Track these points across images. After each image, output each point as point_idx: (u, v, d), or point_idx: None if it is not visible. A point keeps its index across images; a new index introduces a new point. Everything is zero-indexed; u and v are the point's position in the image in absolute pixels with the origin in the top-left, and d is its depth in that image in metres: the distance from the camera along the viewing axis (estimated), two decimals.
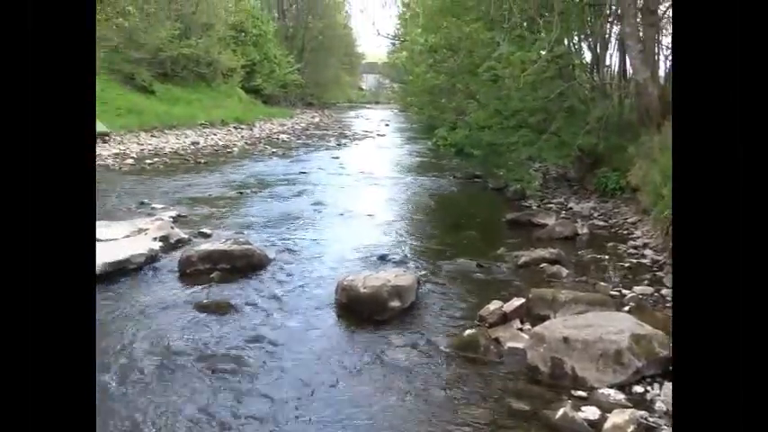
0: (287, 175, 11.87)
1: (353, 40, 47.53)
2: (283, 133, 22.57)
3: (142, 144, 15.55)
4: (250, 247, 5.76)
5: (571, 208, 8.61)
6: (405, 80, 17.45)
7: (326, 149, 17.61)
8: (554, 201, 9.19)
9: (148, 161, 13.07)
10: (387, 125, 29.40)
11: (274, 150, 16.69)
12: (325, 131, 24.66)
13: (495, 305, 4.36)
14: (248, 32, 30.69)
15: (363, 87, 63.42)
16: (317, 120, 32.30)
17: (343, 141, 20.31)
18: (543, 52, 8.50)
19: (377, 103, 55.01)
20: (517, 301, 4.39)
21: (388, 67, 37.03)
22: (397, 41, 18.87)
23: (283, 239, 6.78)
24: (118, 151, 13.95)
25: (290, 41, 42.46)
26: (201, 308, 4.58)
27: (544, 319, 4.17)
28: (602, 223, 7.66)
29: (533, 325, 4.07)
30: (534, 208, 8.75)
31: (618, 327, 3.51)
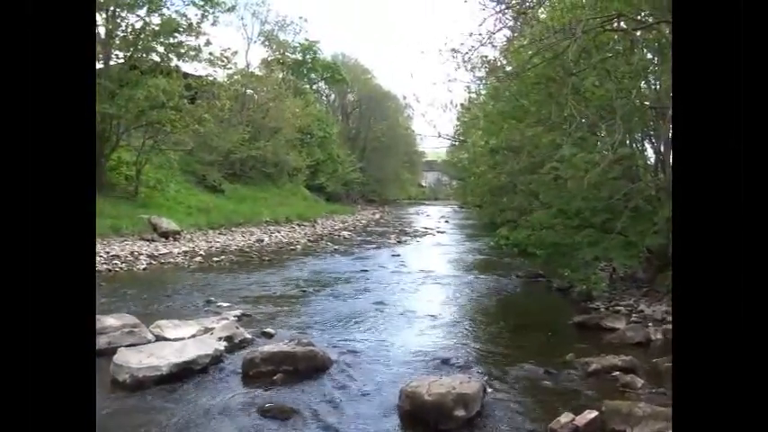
0: (348, 273, 11.97)
1: (414, 140, 48.93)
2: (345, 230, 22.93)
3: (210, 242, 16.10)
4: (313, 348, 5.74)
5: (642, 311, 8.25)
6: (464, 177, 17.65)
7: (387, 246, 17.74)
8: (623, 303, 8.84)
9: (215, 259, 13.48)
10: (446, 221, 29.54)
11: (336, 247, 16.92)
12: (385, 228, 24.97)
13: (566, 418, 4.14)
14: (314, 134, 32.21)
15: (423, 184, 64.60)
16: (377, 216, 32.83)
17: (404, 238, 20.44)
18: (606, 152, 8.51)
19: (436, 199, 55.71)
20: (590, 414, 4.16)
21: (447, 165, 37.72)
22: (456, 142, 19.24)
23: (345, 340, 6.75)
24: (188, 249, 14.48)
25: (353, 142, 44.27)
26: (264, 412, 4.53)
27: None
28: None
29: None
30: (602, 310, 8.43)
31: None
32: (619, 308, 8.57)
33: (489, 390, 4.99)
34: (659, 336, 6.88)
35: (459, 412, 4.31)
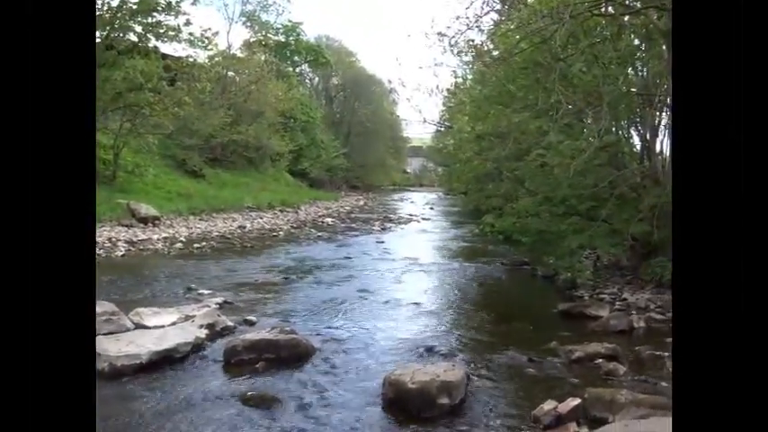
0: (332, 260, 12.00)
1: (399, 126, 48.88)
2: (328, 216, 22.94)
3: (191, 228, 16.02)
4: (295, 336, 5.77)
5: (625, 299, 8.37)
6: (449, 164, 17.68)
7: (371, 233, 17.77)
8: (607, 291, 8.95)
9: (196, 245, 13.41)
10: (431, 208, 29.66)
11: (319, 234, 16.94)
12: (369, 215, 25.02)
13: (549, 405, 4.20)
14: (297, 119, 32.04)
15: (408, 170, 64.59)
16: (361, 203, 32.87)
17: (388, 225, 20.50)
18: (592, 140, 8.55)
19: (421, 185, 55.76)
20: (573, 402, 4.20)
21: (433, 151, 37.75)
22: (442, 127, 19.22)
23: (328, 328, 6.78)
24: (167, 235, 14.38)
25: (337, 127, 44.08)
26: (245, 401, 4.54)
27: (602, 422, 3.96)
28: (659, 316, 7.39)
29: (591, 428, 3.89)
30: (586, 298, 8.54)
31: None
32: (603, 296, 8.68)
33: (473, 377, 5.04)
34: (642, 324, 6.99)
35: (443, 400, 4.35)
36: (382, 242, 15.44)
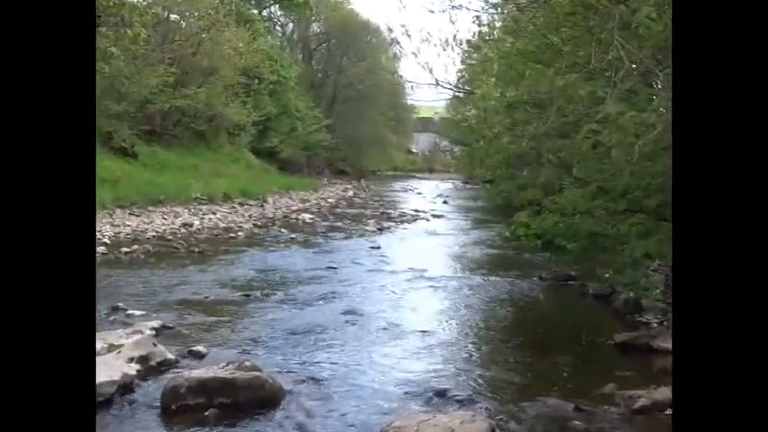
0: (309, 272, 11.99)
1: (402, 90, 48.72)
2: (305, 212, 22.98)
3: (117, 226, 15.96)
4: (259, 374, 5.75)
5: None
6: (471, 143, 17.63)
7: (363, 236, 17.82)
8: None
9: (125, 249, 13.38)
10: (445, 202, 29.83)
11: (293, 236, 16.91)
12: (361, 210, 25.12)
13: None
14: (263, 79, 31.89)
15: (414, 150, 64.54)
16: (350, 193, 33.01)
17: (386, 225, 20.52)
18: (664, 111, 8.53)
19: (431, 171, 55.71)
20: None
21: (447, 124, 37.59)
22: (461, 93, 19.14)
23: (304, 364, 6.79)
24: None
25: (318, 90, 44.01)
26: None
27: None
28: None
29: None
30: (654, 326, 8.55)
31: None
32: None
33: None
34: None
35: None
36: (378, 247, 15.50)
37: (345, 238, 17.34)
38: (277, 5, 42.27)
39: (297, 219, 21.03)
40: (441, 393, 5.98)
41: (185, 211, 19.37)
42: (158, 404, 5.43)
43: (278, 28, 44.91)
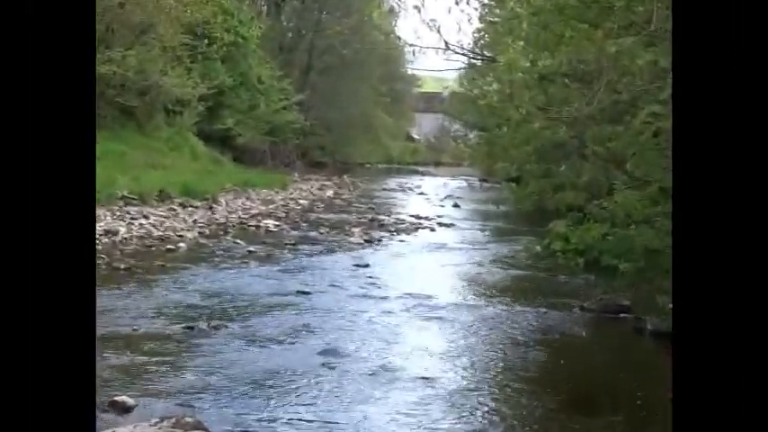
0: (274, 297, 12.07)
1: (400, 56, 48.59)
2: (269, 217, 23.00)
3: None
4: None
5: None
6: (491, 127, 17.50)
7: (346, 250, 17.90)
8: None
9: None
10: (456, 206, 30.08)
11: (251, 249, 16.93)
12: (344, 215, 25.17)
13: None
14: (215, 39, 31.60)
15: (415, 136, 64.69)
16: (330, 193, 33.21)
17: (378, 236, 20.49)
18: None
19: (438, 164, 56.00)
20: None
21: (459, 102, 37.46)
22: (478, 60, 18.98)
23: (266, 421, 6.86)
24: None
25: (288, 55, 43.81)
26: None
27: None
28: None
29: None
30: None
31: None
32: None
33: None
34: None
35: None
36: (366, 266, 15.50)
37: (322, 252, 17.40)
38: None
39: (257, 226, 20.97)
40: None
41: (107, 214, 18.89)
42: None
43: None
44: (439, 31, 10.82)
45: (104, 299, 11.00)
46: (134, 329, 9.53)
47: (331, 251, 17.60)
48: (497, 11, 14.91)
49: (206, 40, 31.07)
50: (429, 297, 12.40)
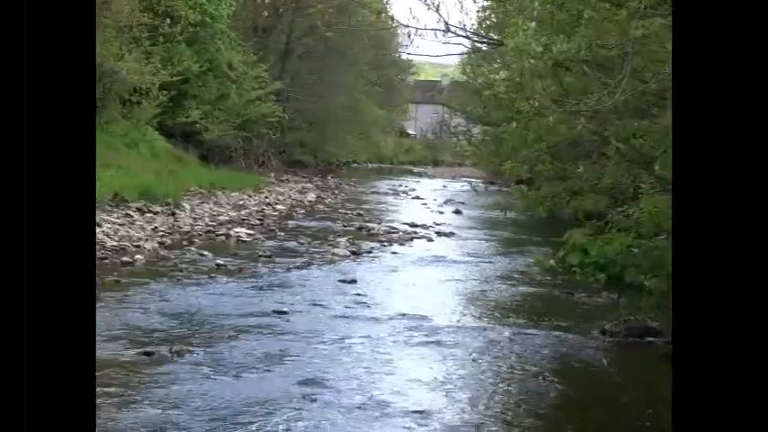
0: (247, 318, 12.21)
1: (394, 39, 48.65)
2: (240, 224, 23.45)
3: None
4: None
5: None
6: (498, 121, 17.38)
7: (330, 263, 18.06)
8: None
9: None
10: (456, 212, 31.01)
11: (220, 262, 16.99)
12: (328, 223, 25.75)
13: None
14: (178, 18, 31.37)
15: (411, 132, 64.86)
16: (311, 197, 34.01)
17: (367, 246, 20.79)
18: None
19: (437, 164, 56.35)
20: None
21: (462, 92, 37.65)
22: (483, 43, 18.93)
23: None
24: None
25: (264, 36, 43.67)
26: None
27: None
28: None
29: None
30: None
31: None
32: None
33: None
34: None
35: None
36: (353, 281, 15.69)
37: (302, 266, 17.53)
38: None
39: (227, 235, 21.34)
40: None
41: None
42: None
43: None
44: (438, 11, 10.63)
45: None
46: None
47: (312, 264, 17.78)
48: None
49: (168, 20, 30.89)
50: (425, 318, 12.66)
